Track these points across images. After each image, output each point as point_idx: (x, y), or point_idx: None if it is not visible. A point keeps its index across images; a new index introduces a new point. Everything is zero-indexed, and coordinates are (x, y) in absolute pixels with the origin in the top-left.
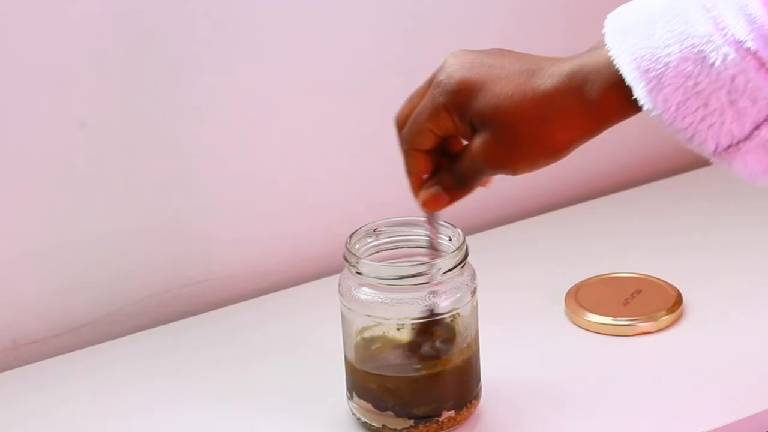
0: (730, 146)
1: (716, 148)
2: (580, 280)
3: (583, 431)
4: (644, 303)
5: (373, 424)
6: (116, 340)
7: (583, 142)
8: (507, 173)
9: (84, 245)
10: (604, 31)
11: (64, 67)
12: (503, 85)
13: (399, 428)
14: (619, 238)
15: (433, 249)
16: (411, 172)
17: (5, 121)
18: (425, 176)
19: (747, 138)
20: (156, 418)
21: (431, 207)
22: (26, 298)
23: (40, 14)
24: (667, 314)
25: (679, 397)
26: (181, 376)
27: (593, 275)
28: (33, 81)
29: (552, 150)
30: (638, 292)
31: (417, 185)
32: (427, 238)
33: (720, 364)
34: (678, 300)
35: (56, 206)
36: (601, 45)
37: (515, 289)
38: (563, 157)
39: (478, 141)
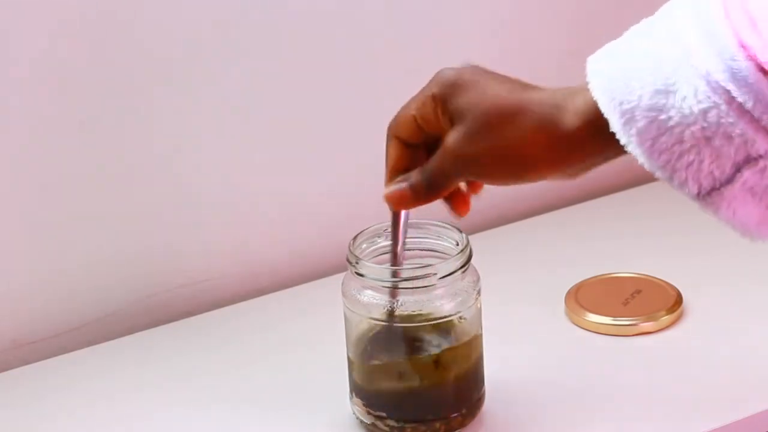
0: (712, 189)
1: (699, 191)
2: (580, 280)
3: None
4: (644, 303)
5: (368, 422)
6: (116, 340)
7: (555, 172)
8: (472, 175)
9: (83, 245)
10: (587, 62)
11: (62, 67)
12: (491, 88)
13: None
14: (619, 238)
15: (393, 256)
16: (387, 162)
17: (6, 123)
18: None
19: (729, 181)
20: (156, 417)
21: (393, 204)
22: (26, 298)
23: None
24: (667, 314)
25: (679, 397)
26: (182, 376)
27: (593, 275)
28: (32, 80)
29: (519, 161)
30: (638, 292)
31: (389, 178)
32: (393, 243)
33: (720, 364)
34: (678, 300)
35: (55, 207)
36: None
37: (515, 289)
38: (530, 177)
39: (451, 135)
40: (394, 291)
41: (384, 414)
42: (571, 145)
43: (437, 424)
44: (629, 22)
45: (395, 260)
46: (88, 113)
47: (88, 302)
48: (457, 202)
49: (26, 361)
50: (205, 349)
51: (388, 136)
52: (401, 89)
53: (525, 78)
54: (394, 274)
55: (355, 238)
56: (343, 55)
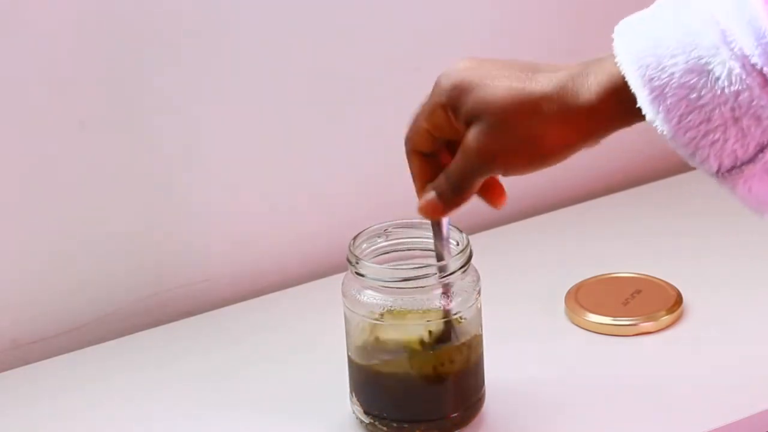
0: (733, 167)
1: (719, 168)
2: (580, 280)
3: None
4: (644, 303)
5: (367, 422)
6: (116, 340)
7: (579, 148)
8: (498, 171)
9: (84, 245)
10: (612, 36)
11: (63, 67)
12: (501, 81)
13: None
14: (619, 238)
15: (439, 258)
16: (414, 175)
17: (6, 122)
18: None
19: (751, 160)
20: (155, 417)
21: (427, 214)
22: (26, 298)
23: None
24: (667, 314)
25: (679, 397)
26: (181, 375)
27: (593, 275)
28: (33, 80)
29: (545, 148)
30: (638, 292)
31: (420, 190)
32: (434, 246)
33: (720, 364)
34: (678, 300)
35: (56, 207)
36: (609, 52)
37: (515, 289)
38: (557, 160)
39: (471, 134)
40: (446, 292)
41: (384, 414)
42: (595, 121)
43: (437, 424)
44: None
45: (440, 258)
46: (88, 113)
47: (88, 302)
48: (493, 195)
49: (26, 361)
50: (205, 349)
51: (406, 151)
52: (402, 90)
53: None
54: (394, 274)
55: (355, 238)
56: (345, 56)
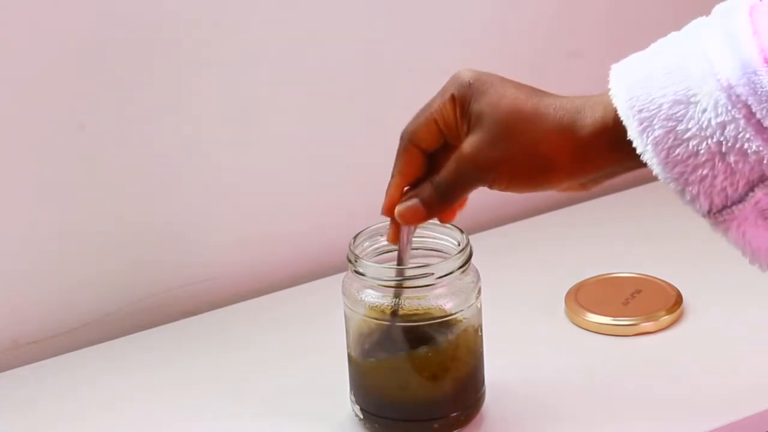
0: (724, 207)
1: (710, 207)
2: (580, 280)
3: None
4: (644, 303)
5: (367, 421)
6: (116, 340)
7: (572, 177)
8: (489, 182)
9: (84, 245)
10: (610, 69)
11: (63, 68)
12: (509, 91)
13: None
14: (619, 238)
15: (399, 262)
16: (399, 172)
17: (6, 123)
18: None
19: (741, 200)
20: (156, 417)
21: (407, 220)
22: (26, 298)
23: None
24: (667, 314)
25: (679, 397)
26: (182, 376)
27: (593, 275)
28: (33, 81)
29: (538, 164)
30: (638, 292)
31: (399, 189)
32: (399, 249)
33: (720, 364)
34: (678, 300)
35: (56, 207)
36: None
37: (515, 289)
38: (548, 183)
39: (468, 142)
40: (397, 291)
41: (384, 413)
42: (589, 150)
43: (437, 424)
44: (630, 22)
45: (401, 263)
46: (88, 113)
47: (88, 302)
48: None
49: (26, 361)
50: (205, 349)
51: (403, 143)
52: (402, 90)
53: (525, 79)
54: (394, 273)
55: (356, 236)
56: (343, 56)
